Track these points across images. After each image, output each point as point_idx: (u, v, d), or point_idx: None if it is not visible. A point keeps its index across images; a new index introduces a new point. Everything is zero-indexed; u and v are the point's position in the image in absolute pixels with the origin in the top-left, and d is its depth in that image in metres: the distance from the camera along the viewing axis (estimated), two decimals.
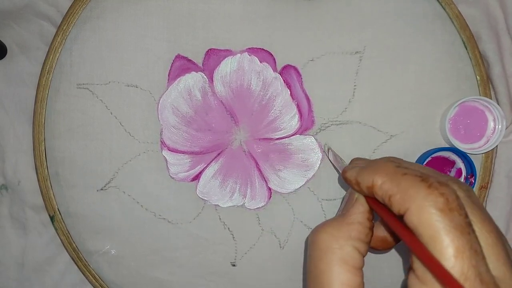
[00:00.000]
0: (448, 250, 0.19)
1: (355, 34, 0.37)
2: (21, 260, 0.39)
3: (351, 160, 0.30)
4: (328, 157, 0.37)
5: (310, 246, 0.25)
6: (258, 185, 0.37)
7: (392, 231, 0.28)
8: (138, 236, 0.38)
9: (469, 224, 0.20)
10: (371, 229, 0.25)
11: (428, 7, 0.37)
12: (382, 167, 0.23)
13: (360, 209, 0.25)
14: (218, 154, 0.37)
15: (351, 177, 0.26)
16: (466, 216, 0.20)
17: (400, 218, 0.21)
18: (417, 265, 0.21)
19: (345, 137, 0.37)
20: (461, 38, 0.37)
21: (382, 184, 0.23)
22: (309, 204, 0.37)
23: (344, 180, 0.27)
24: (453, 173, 0.37)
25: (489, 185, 0.38)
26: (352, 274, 0.23)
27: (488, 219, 0.21)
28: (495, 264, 0.20)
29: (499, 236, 0.21)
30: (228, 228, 0.38)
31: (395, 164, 0.23)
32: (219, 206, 0.37)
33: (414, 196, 0.20)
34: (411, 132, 0.37)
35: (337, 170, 0.35)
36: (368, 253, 0.25)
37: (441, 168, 0.37)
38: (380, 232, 0.28)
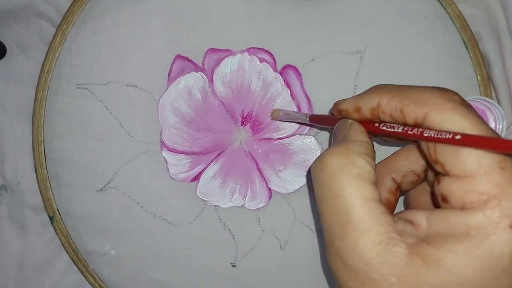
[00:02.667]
0: (484, 133, 0.19)
1: (356, 34, 0.37)
2: (21, 260, 0.39)
3: (334, 104, 0.28)
4: (279, 120, 0.36)
5: (319, 173, 0.22)
6: (259, 185, 0.37)
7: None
8: (138, 237, 0.37)
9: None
10: (374, 148, 0.24)
11: (428, 7, 0.37)
12: (384, 87, 0.23)
13: (359, 129, 0.24)
14: (218, 154, 0.37)
15: (348, 105, 0.25)
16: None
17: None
18: (451, 165, 0.19)
19: None
20: (462, 38, 0.37)
21: (389, 101, 0.22)
22: (310, 205, 0.37)
23: (338, 113, 0.26)
24: None
25: None
26: (372, 187, 0.21)
27: None
28: None
29: None
30: (228, 228, 0.38)
31: (395, 84, 0.23)
32: (219, 206, 0.37)
33: (429, 100, 0.20)
34: None
35: (297, 122, 0.35)
36: None
37: None
38: (407, 167, 0.27)
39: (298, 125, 0.37)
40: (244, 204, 0.37)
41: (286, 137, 0.37)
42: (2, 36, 0.38)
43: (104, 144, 0.37)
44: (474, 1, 0.38)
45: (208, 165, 0.37)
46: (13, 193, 0.39)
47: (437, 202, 0.21)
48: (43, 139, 0.37)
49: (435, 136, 0.19)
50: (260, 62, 0.37)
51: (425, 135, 0.20)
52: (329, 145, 0.37)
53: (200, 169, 0.37)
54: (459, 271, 0.18)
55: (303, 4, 0.37)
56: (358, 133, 0.24)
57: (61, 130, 0.37)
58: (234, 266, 0.38)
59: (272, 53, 0.37)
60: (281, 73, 0.37)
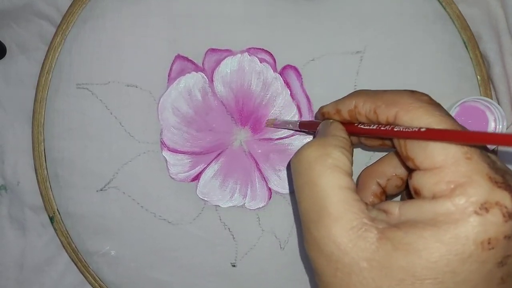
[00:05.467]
0: (449, 127, 0.20)
1: (356, 34, 0.37)
2: (20, 261, 0.39)
3: (319, 108, 0.29)
4: (276, 127, 0.37)
5: (297, 164, 0.23)
6: (259, 185, 0.37)
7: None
8: (138, 236, 0.37)
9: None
10: (352, 145, 0.25)
11: (428, 7, 0.37)
12: (362, 91, 0.25)
13: (339, 127, 0.25)
14: (219, 154, 0.37)
15: (330, 108, 0.26)
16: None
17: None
18: (421, 159, 0.20)
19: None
20: (462, 38, 0.37)
21: (365, 103, 0.24)
22: None
23: (321, 116, 0.28)
24: None
25: None
26: (347, 177, 0.22)
27: None
28: None
29: None
30: (228, 228, 0.38)
31: (373, 89, 0.25)
32: (219, 206, 0.37)
33: (399, 100, 0.22)
34: None
35: (293, 129, 0.36)
36: None
37: None
38: (391, 171, 0.28)
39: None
40: (244, 204, 0.37)
41: (286, 137, 0.37)
42: (2, 36, 0.38)
43: (104, 144, 0.37)
44: (474, 1, 0.38)
45: (208, 165, 0.37)
46: (13, 193, 0.39)
47: (412, 196, 0.22)
48: (43, 139, 0.37)
49: (404, 130, 0.21)
50: (260, 62, 0.37)
51: (395, 130, 0.21)
52: None
53: (200, 169, 0.37)
54: (427, 255, 0.19)
55: (303, 4, 0.37)
56: (337, 130, 0.25)
57: (61, 130, 0.37)
58: (234, 266, 0.38)
59: (272, 53, 0.37)
60: (281, 73, 0.37)
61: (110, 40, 0.36)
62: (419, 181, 0.20)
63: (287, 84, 0.37)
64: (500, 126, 0.36)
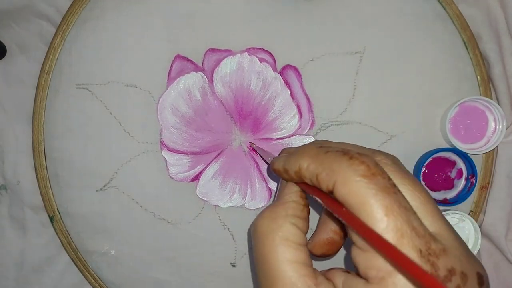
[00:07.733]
0: (379, 210, 0.19)
1: (356, 34, 0.37)
2: (20, 260, 0.39)
3: (280, 151, 0.29)
4: (260, 156, 0.37)
5: (253, 236, 0.24)
6: (258, 185, 0.37)
7: (337, 220, 0.27)
8: (137, 236, 0.37)
9: (394, 185, 0.20)
10: (306, 206, 0.25)
11: (428, 7, 0.37)
12: (306, 150, 0.24)
13: (292, 189, 0.25)
14: (218, 154, 0.37)
15: (279, 166, 0.26)
16: (389, 178, 0.21)
17: (331, 194, 0.22)
18: (356, 237, 0.21)
19: (345, 138, 0.37)
20: (462, 38, 0.37)
21: (308, 166, 0.23)
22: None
23: (274, 172, 0.27)
24: (454, 173, 0.37)
25: (489, 186, 0.38)
26: (296, 250, 0.23)
27: (416, 181, 0.22)
28: (430, 221, 0.21)
29: (430, 196, 0.22)
30: (228, 228, 0.38)
31: (317, 145, 0.24)
32: (219, 206, 0.37)
33: (337, 170, 0.21)
34: (411, 132, 0.37)
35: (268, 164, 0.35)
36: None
37: (441, 168, 0.37)
38: (325, 234, 0.28)
39: (297, 124, 0.37)
40: (244, 204, 0.37)
41: (286, 137, 0.37)
42: (2, 36, 0.38)
43: (104, 144, 0.37)
44: (474, 1, 0.38)
45: (208, 165, 0.37)
46: (13, 193, 0.39)
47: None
48: (43, 139, 0.37)
49: (354, 217, 0.20)
50: (260, 62, 0.37)
51: (343, 210, 0.21)
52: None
53: (200, 169, 0.37)
54: None
55: (303, 5, 0.37)
56: (290, 193, 0.25)
57: (61, 130, 0.37)
58: (234, 266, 0.38)
59: (272, 53, 0.37)
60: (281, 73, 0.37)
61: (110, 40, 0.37)
62: (355, 258, 0.21)
63: (287, 84, 0.37)
64: (500, 126, 0.36)
